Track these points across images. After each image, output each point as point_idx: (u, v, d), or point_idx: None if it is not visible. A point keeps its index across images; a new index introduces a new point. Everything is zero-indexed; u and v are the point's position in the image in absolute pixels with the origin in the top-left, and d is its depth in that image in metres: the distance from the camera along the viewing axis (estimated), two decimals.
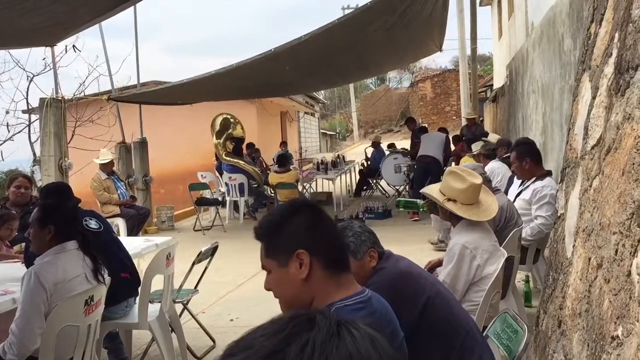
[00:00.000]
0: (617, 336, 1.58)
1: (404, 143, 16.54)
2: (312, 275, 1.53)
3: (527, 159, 4.49)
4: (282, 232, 1.55)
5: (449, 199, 3.16)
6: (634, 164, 1.65)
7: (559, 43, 5.95)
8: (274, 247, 1.57)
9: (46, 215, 2.88)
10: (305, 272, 1.52)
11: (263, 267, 1.59)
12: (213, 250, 4.28)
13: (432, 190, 3.31)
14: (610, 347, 1.63)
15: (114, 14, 5.87)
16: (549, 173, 4.56)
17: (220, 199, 10.53)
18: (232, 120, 10.73)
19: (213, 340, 4.35)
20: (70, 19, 5.93)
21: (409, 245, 5.37)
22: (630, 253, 1.58)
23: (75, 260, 2.85)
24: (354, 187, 13.08)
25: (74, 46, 8.67)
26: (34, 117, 9.02)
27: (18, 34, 6.20)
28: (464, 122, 14.50)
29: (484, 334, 2.43)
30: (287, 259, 1.52)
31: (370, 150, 13.48)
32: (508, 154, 6.83)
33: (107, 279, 2.99)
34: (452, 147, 10.52)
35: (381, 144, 13.53)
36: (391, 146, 13.58)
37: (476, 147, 7.41)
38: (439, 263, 3.53)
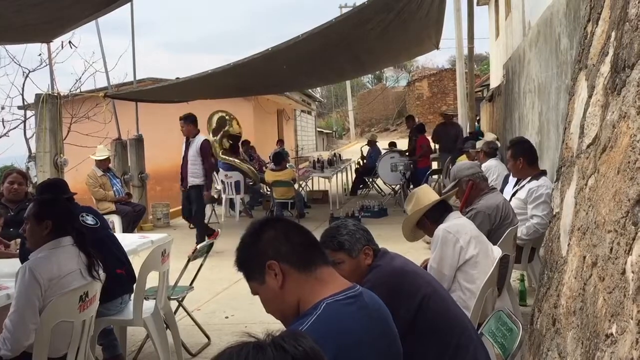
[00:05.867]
0: (612, 334, 1.58)
1: (402, 142, 16.54)
2: (287, 280, 1.59)
3: (520, 159, 4.50)
4: (251, 254, 1.65)
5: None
6: (629, 162, 1.65)
7: (556, 42, 5.95)
8: (250, 270, 1.65)
9: (43, 210, 2.87)
10: (281, 280, 1.58)
11: (253, 293, 1.67)
12: (208, 247, 4.27)
13: (406, 230, 3.46)
14: (604, 345, 1.63)
15: (111, 11, 5.85)
16: (544, 172, 4.56)
17: (216, 196, 10.51)
18: (227, 117, 10.71)
19: (208, 338, 4.34)
20: (67, 15, 5.90)
21: (405, 243, 5.35)
22: (625, 251, 1.58)
23: (71, 256, 2.84)
24: (350, 186, 13.08)
25: (70, 42, 8.62)
26: (29, 113, 8.96)
27: (14, 30, 6.17)
28: (459, 121, 14.52)
29: (479, 332, 2.43)
30: (263, 276, 1.60)
31: (366, 149, 13.49)
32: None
33: (102, 275, 2.98)
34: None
35: (377, 143, 13.54)
36: (392, 145, 13.58)
37: (478, 144, 7.51)
38: None
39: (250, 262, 1.65)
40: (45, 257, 2.76)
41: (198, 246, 4.15)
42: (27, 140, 8.78)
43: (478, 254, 3.08)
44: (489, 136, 10.29)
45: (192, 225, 8.91)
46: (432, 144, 12.15)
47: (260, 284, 1.62)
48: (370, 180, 12.72)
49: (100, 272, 2.95)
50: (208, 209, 10.10)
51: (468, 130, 12.45)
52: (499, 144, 9.29)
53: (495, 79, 16.31)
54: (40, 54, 8.54)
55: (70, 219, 2.95)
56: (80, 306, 2.78)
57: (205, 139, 7.66)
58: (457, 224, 3.18)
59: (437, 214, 3.23)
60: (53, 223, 2.82)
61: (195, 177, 7.46)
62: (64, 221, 2.88)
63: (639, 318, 1.40)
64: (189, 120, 7.56)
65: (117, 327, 3.88)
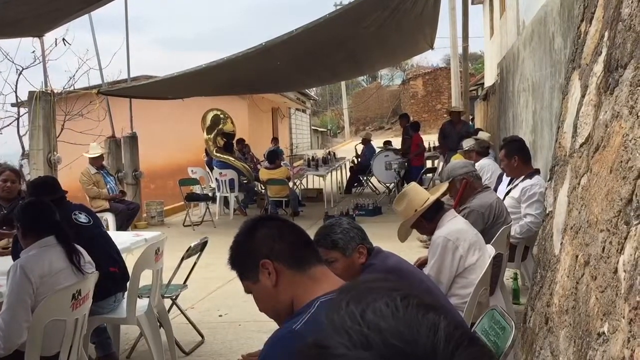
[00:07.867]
0: (603, 333, 1.59)
1: (397, 140, 16.55)
2: (281, 278, 1.58)
3: (515, 157, 4.51)
4: (244, 253, 1.64)
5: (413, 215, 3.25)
6: (621, 161, 1.66)
7: (550, 42, 5.97)
8: (243, 269, 1.65)
9: (16, 215, 2.90)
10: (274, 278, 1.58)
11: (246, 291, 1.67)
12: (202, 245, 4.26)
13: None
14: (596, 344, 1.64)
15: (102, 5, 5.82)
16: (537, 171, 4.58)
17: (210, 194, 10.49)
18: (222, 115, 10.70)
19: (202, 336, 4.34)
20: (59, 8, 5.86)
21: (399, 242, 5.35)
22: (617, 250, 1.59)
23: (60, 254, 2.83)
24: (344, 184, 13.08)
25: (63, 39, 8.57)
26: (23, 110, 8.92)
27: (4, 24, 6.12)
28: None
29: (472, 330, 2.44)
30: (256, 274, 1.60)
31: (360, 147, 13.49)
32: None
33: (95, 273, 2.97)
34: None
35: (372, 141, 13.54)
36: (387, 143, 13.59)
37: (467, 143, 7.48)
38: None
39: (243, 261, 1.65)
40: (36, 255, 2.75)
41: (192, 244, 4.14)
42: (20, 137, 8.75)
43: (477, 261, 3.05)
44: (483, 135, 10.32)
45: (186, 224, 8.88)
46: (426, 143, 12.16)
47: (254, 283, 1.62)
48: (365, 178, 12.73)
49: (84, 262, 2.93)
50: (202, 207, 10.10)
51: None
52: (491, 143, 9.31)
53: (490, 77, 16.33)
54: (33, 51, 8.49)
55: (45, 221, 2.91)
56: (73, 304, 2.77)
57: None
58: (458, 229, 3.12)
59: (432, 212, 3.23)
60: (23, 226, 2.85)
61: None
62: (32, 224, 2.88)
63: (630, 317, 1.41)
64: None
65: (110, 326, 3.87)
